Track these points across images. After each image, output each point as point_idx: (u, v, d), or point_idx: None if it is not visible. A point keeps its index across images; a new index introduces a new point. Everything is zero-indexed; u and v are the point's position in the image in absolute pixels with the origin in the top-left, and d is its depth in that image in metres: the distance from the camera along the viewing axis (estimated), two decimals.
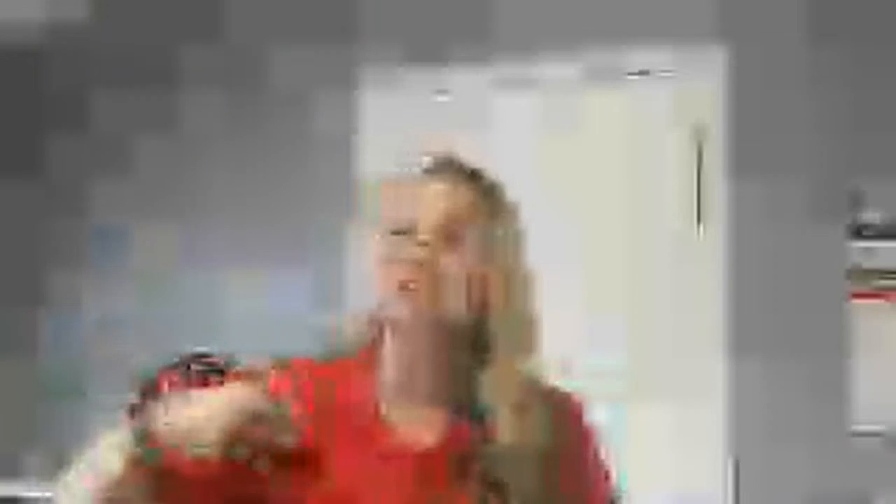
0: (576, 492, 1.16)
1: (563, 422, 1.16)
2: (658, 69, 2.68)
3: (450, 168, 1.19)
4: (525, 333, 1.15)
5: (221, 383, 1.19)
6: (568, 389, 1.23)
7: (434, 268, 1.10)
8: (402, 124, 2.92)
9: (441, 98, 2.91)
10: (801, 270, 2.50)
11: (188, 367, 2.88)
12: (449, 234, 1.12)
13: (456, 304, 1.11)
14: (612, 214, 2.70)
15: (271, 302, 3.01)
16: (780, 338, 2.49)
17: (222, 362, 2.86)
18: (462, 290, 1.12)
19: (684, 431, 2.55)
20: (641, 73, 2.70)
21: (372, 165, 2.93)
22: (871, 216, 2.45)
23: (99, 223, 3.30)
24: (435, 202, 1.14)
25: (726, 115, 2.59)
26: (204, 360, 2.89)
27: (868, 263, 2.44)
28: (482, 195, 1.16)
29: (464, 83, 2.88)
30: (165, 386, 2.86)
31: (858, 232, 2.45)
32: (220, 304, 3.08)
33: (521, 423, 1.10)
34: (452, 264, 1.11)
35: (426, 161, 1.21)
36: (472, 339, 1.14)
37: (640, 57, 2.69)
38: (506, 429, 1.10)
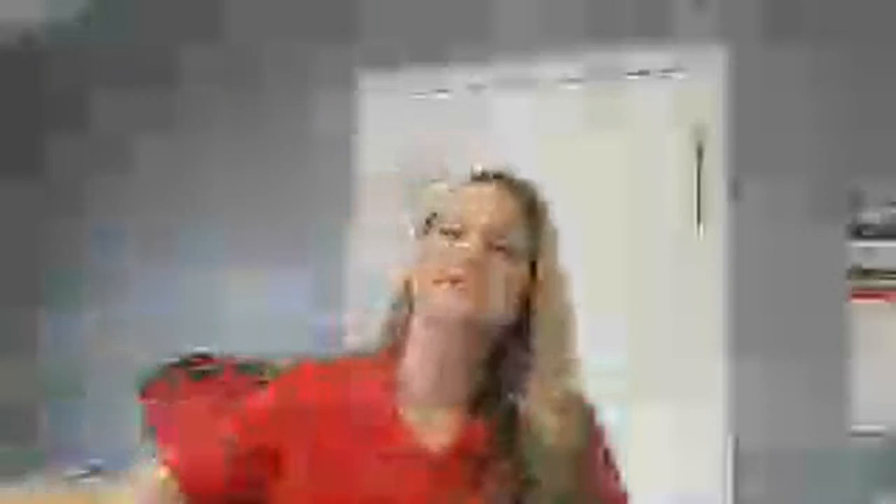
0: (590, 491, 1.16)
1: (584, 424, 1.17)
2: (658, 69, 2.68)
3: (497, 176, 1.23)
4: (566, 335, 1.17)
5: (221, 383, 1.21)
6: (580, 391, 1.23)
7: (482, 267, 1.11)
8: (402, 124, 2.92)
9: (441, 98, 2.91)
10: (801, 270, 2.50)
11: (188, 367, 2.88)
12: (497, 236, 1.14)
13: (499, 304, 1.13)
14: (613, 214, 2.70)
15: (271, 302, 3.01)
16: (780, 338, 2.49)
17: (222, 362, 2.86)
18: (506, 289, 1.14)
19: (684, 431, 2.55)
20: (641, 73, 2.70)
21: (372, 165, 2.93)
22: (871, 216, 2.45)
23: (99, 223, 3.30)
24: (484, 205, 1.16)
25: (726, 115, 2.58)
26: (204, 360, 2.89)
27: (868, 263, 2.44)
28: (527, 200, 1.20)
29: (464, 83, 2.88)
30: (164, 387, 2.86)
31: (858, 232, 2.45)
32: (220, 304, 3.08)
33: (562, 425, 1.11)
34: (499, 265, 1.13)
35: (475, 168, 1.25)
36: (513, 340, 1.16)
37: (640, 57, 2.69)
38: (547, 430, 1.11)
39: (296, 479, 1.13)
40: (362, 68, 2.99)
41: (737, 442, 2.50)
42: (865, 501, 2.35)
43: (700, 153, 2.62)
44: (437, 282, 1.12)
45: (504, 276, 1.13)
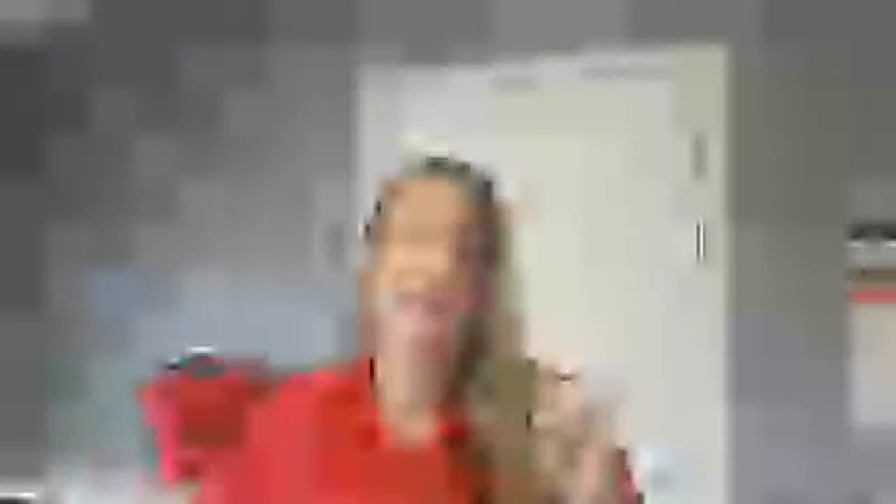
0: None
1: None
2: (658, 69, 2.68)
3: (446, 165, 1.16)
4: (517, 329, 1.13)
5: (222, 383, 1.21)
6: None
7: (449, 282, 1.08)
8: (402, 124, 2.92)
9: (441, 98, 2.91)
10: (801, 270, 2.50)
11: (188, 368, 2.88)
12: (458, 241, 1.09)
13: (466, 311, 1.10)
14: (612, 215, 2.70)
15: (271, 303, 3.01)
16: (780, 338, 2.49)
17: (222, 362, 2.86)
18: (472, 295, 1.10)
19: (684, 432, 2.55)
20: (641, 73, 2.70)
21: (372, 165, 2.93)
22: (871, 216, 2.45)
23: (99, 223, 3.30)
24: (441, 206, 1.10)
25: (726, 117, 2.58)
26: (204, 360, 2.89)
27: (868, 263, 2.45)
28: (481, 191, 1.14)
29: (464, 83, 2.88)
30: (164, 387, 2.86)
31: (858, 232, 2.45)
32: (220, 304, 3.08)
33: (513, 409, 1.07)
34: (463, 270, 1.09)
35: (421, 161, 1.18)
36: (467, 337, 1.13)
37: (640, 57, 2.69)
38: (498, 415, 1.08)
39: (284, 491, 1.14)
40: (362, 68, 2.99)
41: (737, 442, 2.51)
42: (865, 500, 2.35)
43: (700, 153, 2.62)
44: (403, 301, 1.08)
45: (467, 280, 1.08)
